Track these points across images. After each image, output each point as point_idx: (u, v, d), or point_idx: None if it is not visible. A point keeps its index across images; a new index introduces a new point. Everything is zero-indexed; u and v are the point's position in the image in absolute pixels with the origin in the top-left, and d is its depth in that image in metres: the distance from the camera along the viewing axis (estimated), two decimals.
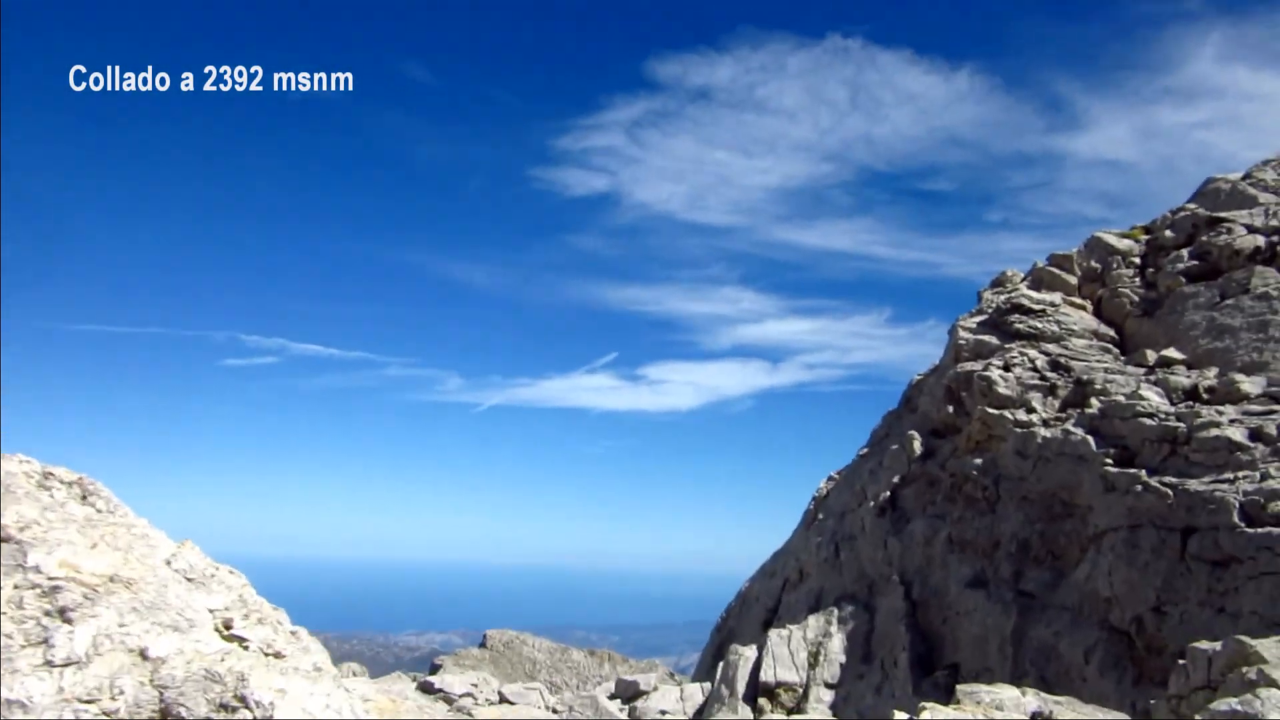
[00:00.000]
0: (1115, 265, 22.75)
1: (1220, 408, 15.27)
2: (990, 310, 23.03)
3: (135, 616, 5.66)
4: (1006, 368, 20.07)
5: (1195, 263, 20.84)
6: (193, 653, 5.35)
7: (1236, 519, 12.61)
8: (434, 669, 32.10)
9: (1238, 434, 14.15)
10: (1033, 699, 9.38)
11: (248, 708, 4.93)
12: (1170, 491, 13.79)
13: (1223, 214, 21.60)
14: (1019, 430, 18.10)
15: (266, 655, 6.16)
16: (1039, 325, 21.37)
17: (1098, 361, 19.80)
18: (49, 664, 5.13)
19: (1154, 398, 16.32)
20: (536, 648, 37.76)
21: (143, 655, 5.31)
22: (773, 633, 20.00)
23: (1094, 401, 17.52)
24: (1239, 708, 7.49)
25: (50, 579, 5.57)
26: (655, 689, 20.96)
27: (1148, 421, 15.43)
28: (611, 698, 21.19)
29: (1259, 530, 12.28)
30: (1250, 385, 15.91)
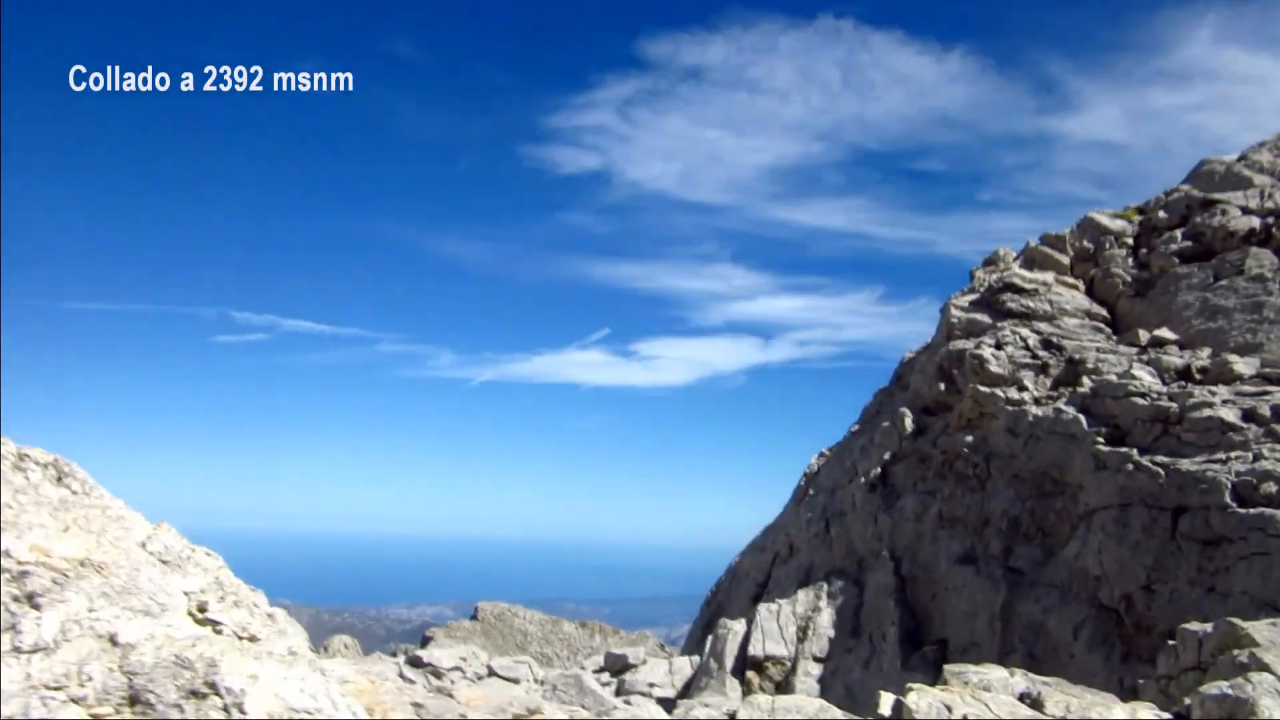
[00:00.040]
0: (1108, 245, 22.64)
1: (1213, 388, 15.21)
2: (982, 289, 22.91)
3: (105, 601, 5.52)
4: (998, 346, 19.98)
5: (1189, 244, 20.75)
6: (163, 638, 5.22)
7: (1228, 499, 12.59)
8: (425, 641, 32.15)
9: (1231, 414, 14.09)
10: (1021, 680, 9.25)
11: (218, 694, 4.81)
12: (1162, 471, 13.76)
13: (1217, 195, 21.48)
14: (1010, 408, 18.04)
15: (240, 639, 6.04)
16: (1031, 304, 21.28)
17: (1090, 341, 19.72)
18: (16, 650, 4.99)
19: (1146, 377, 16.26)
20: (528, 620, 37.87)
21: (112, 641, 5.18)
22: (762, 607, 20.03)
23: (1086, 380, 17.46)
24: (1230, 691, 7.43)
25: (20, 563, 5.41)
26: (644, 662, 20.95)
27: (1140, 401, 15.37)
28: (600, 671, 21.18)
29: (1251, 511, 12.26)
30: (1244, 366, 15.85)
